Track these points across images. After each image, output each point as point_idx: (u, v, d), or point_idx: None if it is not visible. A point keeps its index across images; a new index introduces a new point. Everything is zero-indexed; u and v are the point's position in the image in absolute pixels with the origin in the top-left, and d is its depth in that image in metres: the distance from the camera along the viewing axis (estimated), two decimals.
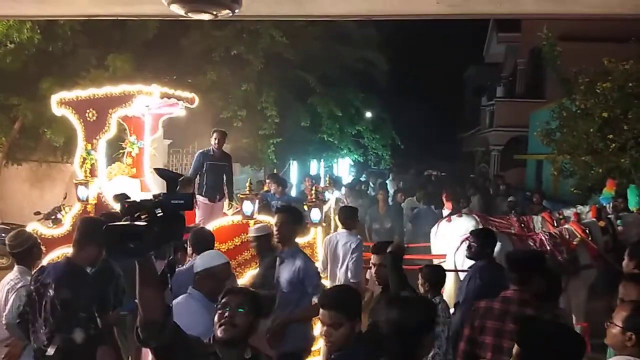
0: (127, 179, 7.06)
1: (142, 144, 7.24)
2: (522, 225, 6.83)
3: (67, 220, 5.98)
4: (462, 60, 29.58)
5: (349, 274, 5.15)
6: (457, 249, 6.14)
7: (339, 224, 5.75)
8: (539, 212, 7.79)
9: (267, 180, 9.78)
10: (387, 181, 15.34)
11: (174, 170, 9.44)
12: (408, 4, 3.27)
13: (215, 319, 2.38)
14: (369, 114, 16.78)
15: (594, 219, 6.59)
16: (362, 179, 16.56)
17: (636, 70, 9.12)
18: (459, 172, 21.15)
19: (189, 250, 4.27)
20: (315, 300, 4.03)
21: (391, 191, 12.10)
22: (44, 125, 9.14)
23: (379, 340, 2.51)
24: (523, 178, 19.33)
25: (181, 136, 11.90)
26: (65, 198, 7.99)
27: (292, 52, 11.95)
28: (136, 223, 1.80)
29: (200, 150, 7.62)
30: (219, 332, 2.34)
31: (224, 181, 7.39)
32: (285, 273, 4.16)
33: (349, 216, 5.59)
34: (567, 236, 6.37)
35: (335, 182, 10.63)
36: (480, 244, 4.55)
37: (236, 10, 2.90)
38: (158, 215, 1.85)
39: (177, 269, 3.70)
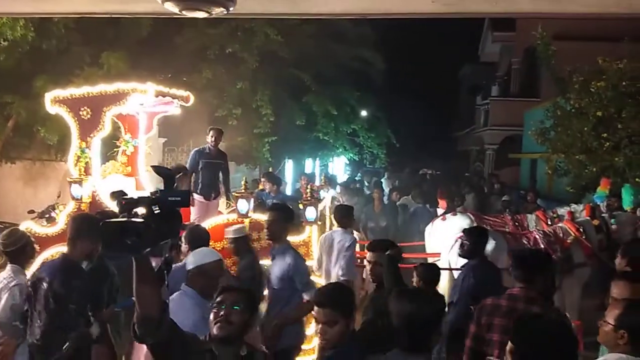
0: (122, 178, 7.03)
1: (137, 142, 7.21)
2: (517, 223, 6.86)
3: (61, 218, 5.95)
4: (457, 59, 29.67)
5: (340, 272, 5.18)
6: (452, 248, 6.15)
7: (334, 222, 5.76)
8: (533, 210, 7.82)
9: (262, 179, 9.78)
10: (383, 180, 15.36)
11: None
12: (403, 3, 3.26)
13: (211, 317, 2.39)
14: (364, 113, 16.80)
15: (588, 218, 6.62)
16: (358, 177, 16.57)
17: (630, 69, 9.15)
18: (454, 171, 21.18)
19: (184, 247, 4.27)
20: (305, 296, 4.06)
21: (386, 190, 12.11)
22: (38, 123, 9.09)
23: (373, 338, 2.53)
24: (517, 177, 19.40)
25: (176, 134, 11.88)
26: (59, 196, 7.97)
27: (287, 51, 11.94)
28: (134, 220, 1.81)
29: (196, 148, 7.61)
30: (214, 330, 2.35)
31: (220, 179, 7.39)
32: (275, 270, 4.23)
33: (344, 215, 5.60)
34: (561, 235, 6.40)
35: (330, 181, 10.64)
36: (472, 242, 4.57)
37: (230, 8, 2.89)
38: (155, 212, 1.86)
39: (173, 266, 3.72)
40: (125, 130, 7.19)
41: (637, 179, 8.61)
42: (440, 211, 7.85)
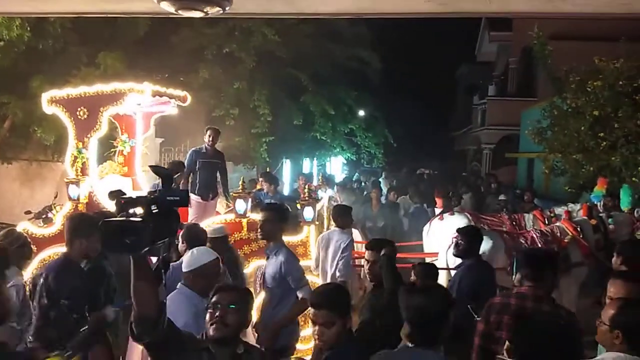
0: (119, 178, 7.01)
1: (134, 143, 7.20)
2: (514, 223, 6.87)
3: (58, 219, 5.93)
4: (455, 58, 29.63)
5: (337, 273, 5.18)
6: (449, 247, 6.15)
7: (332, 222, 5.77)
8: (531, 210, 7.83)
9: (260, 179, 9.76)
10: (380, 179, 15.36)
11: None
12: (398, 2, 3.27)
13: (207, 317, 2.40)
14: (361, 112, 16.79)
15: (586, 217, 6.63)
16: (355, 177, 16.56)
17: (627, 68, 9.18)
18: (451, 171, 21.19)
19: (181, 246, 4.27)
20: (299, 294, 4.07)
21: (384, 189, 12.11)
22: (35, 123, 9.06)
23: (370, 339, 2.53)
24: (514, 176, 19.41)
25: (173, 134, 11.86)
26: (56, 197, 7.92)
27: (284, 50, 11.94)
28: (132, 219, 1.81)
29: (193, 148, 7.60)
30: (211, 331, 2.35)
31: (217, 179, 7.38)
32: (269, 268, 4.24)
33: (342, 215, 5.61)
34: (559, 234, 6.41)
35: (328, 181, 10.63)
36: (467, 241, 4.56)
37: (226, 8, 2.89)
38: (154, 211, 1.86)
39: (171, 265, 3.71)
40: (122, 130, 7.17)
41: (633, 179, 8.64)
42: (437, 211, 7.86)
